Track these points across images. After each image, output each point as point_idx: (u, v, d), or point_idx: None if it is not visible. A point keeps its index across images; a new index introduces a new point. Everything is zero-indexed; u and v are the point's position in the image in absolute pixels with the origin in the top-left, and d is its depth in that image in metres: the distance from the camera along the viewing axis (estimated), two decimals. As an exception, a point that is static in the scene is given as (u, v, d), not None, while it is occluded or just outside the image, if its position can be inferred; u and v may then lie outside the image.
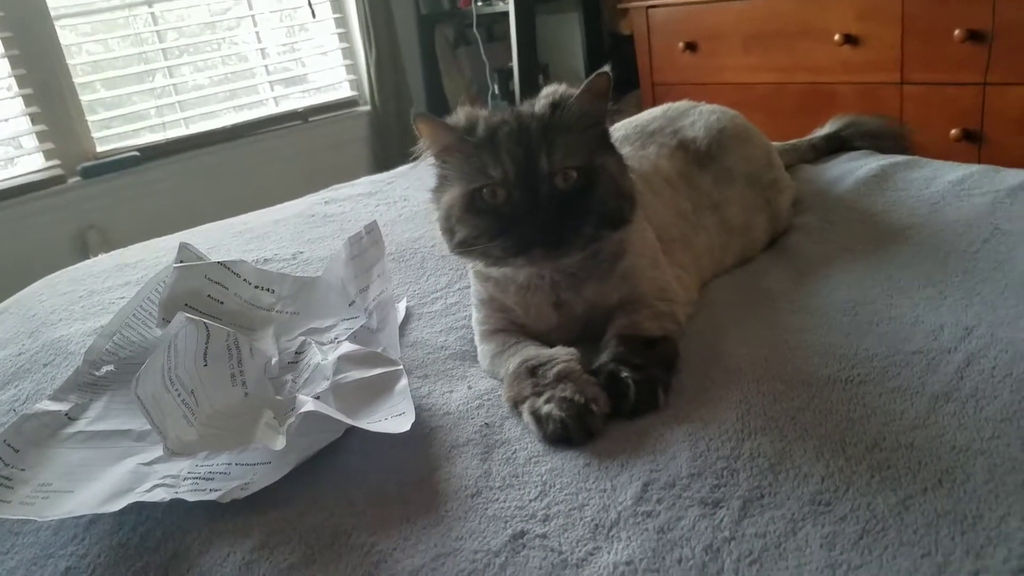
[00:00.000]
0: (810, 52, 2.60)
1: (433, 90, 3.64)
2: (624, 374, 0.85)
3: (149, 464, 0.81)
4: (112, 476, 0.80)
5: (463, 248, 0.93)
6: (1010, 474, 0.68)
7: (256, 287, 1.11)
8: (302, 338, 1.04)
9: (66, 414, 0.92)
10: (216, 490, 0.75)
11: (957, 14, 2.22)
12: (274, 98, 3.38)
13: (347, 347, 0.94)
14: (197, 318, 0.87)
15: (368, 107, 3.49)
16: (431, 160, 0.98)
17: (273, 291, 1.12)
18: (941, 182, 1.31)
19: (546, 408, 0.82)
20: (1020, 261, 1.04)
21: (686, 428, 0.80)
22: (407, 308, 1.17)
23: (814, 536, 0.65)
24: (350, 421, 0.80)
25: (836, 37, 2.50)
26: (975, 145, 2.29)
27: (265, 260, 1.41)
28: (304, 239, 1.53)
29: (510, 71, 3.26)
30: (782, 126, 2.74)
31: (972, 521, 0.64)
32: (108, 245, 1.89)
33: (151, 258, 1.51)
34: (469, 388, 0.95)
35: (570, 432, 0.80)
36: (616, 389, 0.85)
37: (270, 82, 3.39)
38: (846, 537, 0.64)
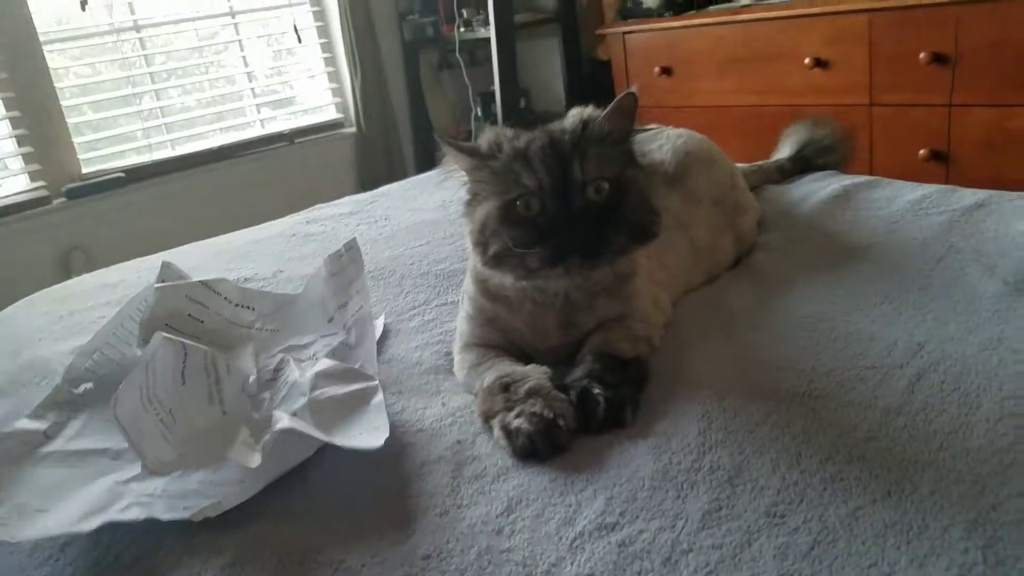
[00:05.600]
0: (782, 75, 2.67)
1: (418, 112, 3.69)
2: (596, 391, 0.88)
3: (125, 483, 0.83)
4: (88, 495, 0.82)
5: (497, 260, 0.94)
6: (955, 485, 0.71)
7: (237, 305, 1.13)
8: (281, 355, 1.06)
9: (44, 432, 0.94)
10: (189, 508, 0.77)
11: (922, 38, 2.29)
12: (260, 120, 3.41)
13: (324, 363, 0.96)
14: (174, 338, 0.89)
15: (353, 129, 3.52)
16: (460, 175, 1.00)
17: (253, 309, 1.14)
18: (901, 201, 1.35)
19: (516, 423, 0.85)
20: (972, 278, 1.08)
21: (650, 442, 0.83)
22: (385, 325, 1.20)
23: (768, 547, 0.67)
24: (325, 438, 0.82)
25: (807, 61, 2.57)
26: (943, 165, 2.36)
27: (246, 279, 1.43)
28: (285, 258, 1.56)
29: (492, 94, 3.31)
30: (756, 147, 2.80)
31: (917, 531, 0.67)
32: (92, 266, 1.91)
33: (133, 278, 1.53)
34: (443, 404, 0.97)
35: (537, 446, 0.83)
36: (586, 405, 0.87)
37: (257, 104, 3.42)
38: (798, 548, 0.67)
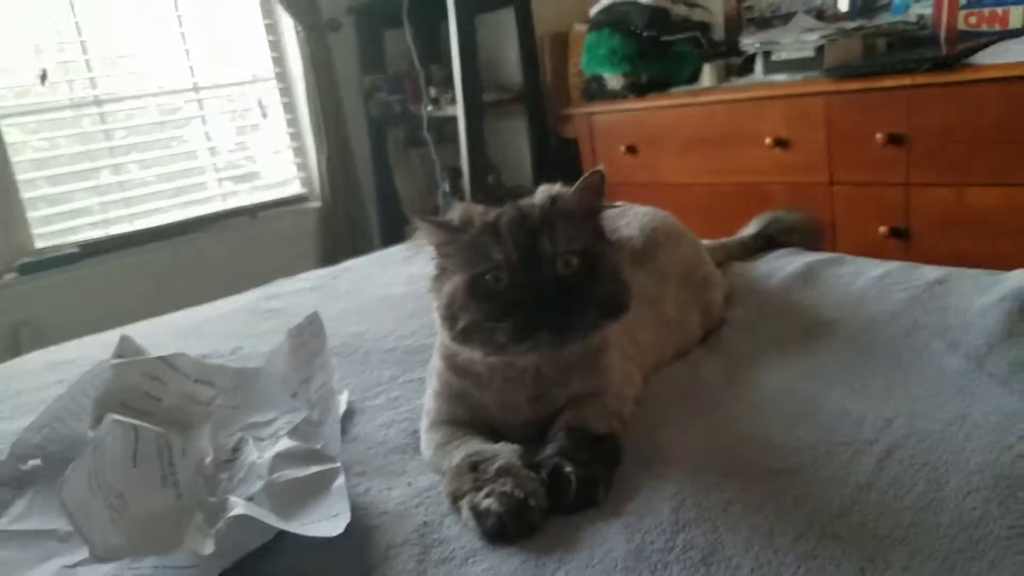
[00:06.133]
0: (744, 154, 2.73)
1: (384, 187, 3.72)
2: (567, 469, 0.86)
3: (72, 567, 0.79)
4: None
5: (465, 335, 0.92)
6: (927, 562, 0.70)
7: (196, 381, 1.10)
8: (240, 434, 1.03)
9: None
10: None
11: (877, 119, 2.35)
12: (222, 195, 3.41)
13: (284, 443, 0.93)
14: (126, 420, 0.86)
15: (318, 203, 3.54)
16: (429, 250, 0.99)
17: (213, 384, 1.11)
18: (865, 278, 1.38)
19: (485, 503, 0.82)
20: (937, 353, 1.09)
21: (622, 521, 0.81)
22: (349, 402, 1.17)
23: (744, 629, 0.65)
24: (281, 525, 0.79)
25: (767, 141, 2.63)
26: (903, 241, 2.41)
27: (204, 356, 1.39)
28: (244, 334, 1.53)
29: (459, 170, 3.36)
30: (720, 224, 2.86)
31: (894, 610, 0.65)
32: (41, 343, 1.87)
33: (85, 355, 1.49)
34: (409, 485, 0.95)
35: (508, 528, 0.81)
36: (558, 484, 0.85)
37: (219, 179, 3.42)
38: (775, 629, 0.65)
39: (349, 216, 3.55)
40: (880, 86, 2.32)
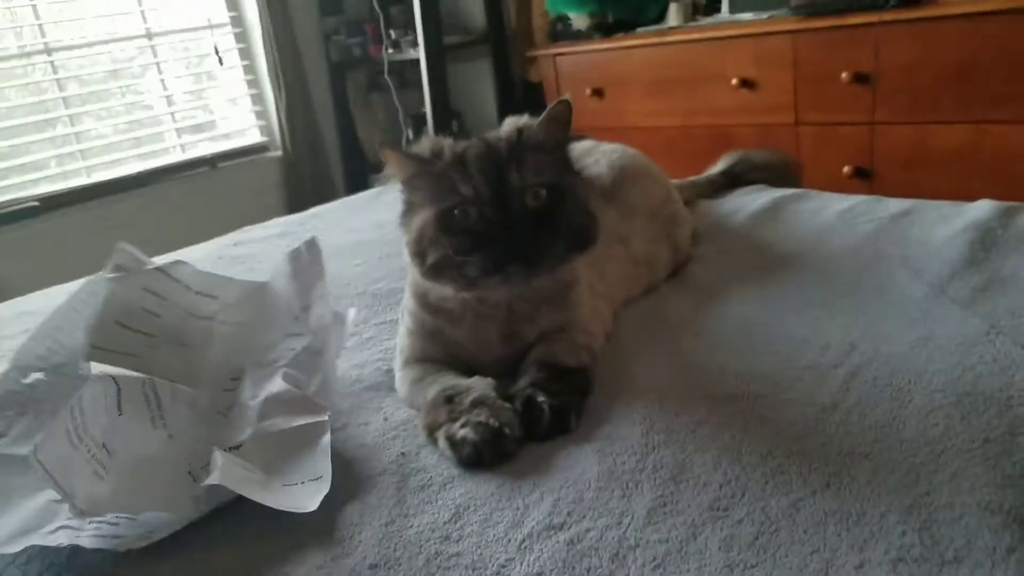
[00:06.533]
0: (710, 96, 2.73)
1: (346, 135, 3.66)
2: (540, 399, 0.88)
3: (60, 501, 0.79)
4: (23, 510, 0.78)
5: (436, 271, 0.92)
6: (891, 474, 0.73)
7: (197, 293, 1.03)
8: (241, 361, 0.99)
9: None
10: (118, 536, 0.73)
11: (844, 58, 2.36)
12: (181, 145, 3.33)
13: (278, 385, 0.92)
14: (105, 373, 0.84)
15: (280, 152, 3.48)
16: (399, 187, 0.98)
17: (217, 297, 1.04)
18: (829, 212, 1.40)
19: (461, 432, 0.84)
20: (900, 282, 1.12)
21: (594, 445, 0.83)
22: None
23: (713, 539, 0.68)
24: (258, 497, 0.77)
25: (733, 81, 2.63)
26: (866, 181, 2.44)
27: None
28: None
29: (424, 117, 3.32)
30: (686, 166, 2.86)
31: (856, 518, 0.68)
32: (4, 298, 1.83)
33: (53, 306, 1.46)
34: (385, 420, 0.96)
35: (483, 455, 0.82)
36: (531, 413, 0.87)
37: (176, 129, 3.34)
38: (742, 539, 0.68)
39: (312, 165, 3.50)
40: (847, 23, 2.32)
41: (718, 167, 1.65)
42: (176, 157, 3.29)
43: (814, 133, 2.54)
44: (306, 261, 1.04)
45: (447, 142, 0.96)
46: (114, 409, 0.83)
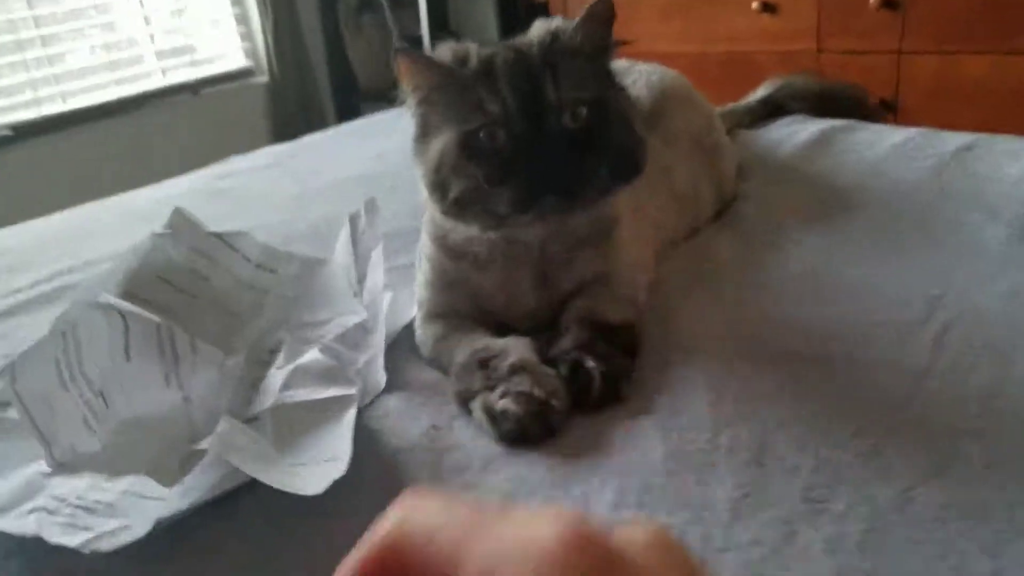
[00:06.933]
0: (729, 20, 2.56)
1: (336, 59, 3.46)
2: (589, 363, 0.76)
3: (47, 476, 0.68)
4: (10, 480, 0.68)
5: (459, 207, 0.80)
6: (1009, 457, 0.63)
7: (258, 266, 0.95)
8: (283, 334, 0.88)
9: None
10: (88, 528, 0.61)
11: (873, -19, 2.22)
12: (161, 70, 3.13)
13: (310, 356, 0.80)
14: (110, 303, 0.72)
15: (266, 78, 3.28)
16: (412, 106, 0.84)
17: (277, 272, 0.96)
18: (883, 145, 1.27)
19: (501, 404, 0.72)
20: (975, 223, 1.01)
21: (654, 420, 0.72)
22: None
23: (815, 540, 0.57)
24: (253, 472, 0.64)
25: (754, 5, 2.47)
26: (891, 114, 2.31)
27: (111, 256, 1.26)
28: (198, 216, 1.38)
29: (419, 40, 3.12)
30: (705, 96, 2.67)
31: (981, 513, 0.58)
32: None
33: (30, 242, 1.34)
34: (407, 383, 0.84)
35: (528, 431, 0.71)
36: (579, 380, 0.76)
37: (156, 53, 3.13)
38: (849, 539, 0.57)
39: (299, 91, 3.31)
40: (880, -58, 2.17)
41: (758, 93, 1.51)
42: (156, 83, 3.08)
43: (837, 61, 2.38)
44: (364, 224, 0.93)
45: (473, 47, 0.81)
46: (120, 352, 0.71)
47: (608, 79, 0.84)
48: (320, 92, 3.40)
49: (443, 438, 0.75)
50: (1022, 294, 0.84)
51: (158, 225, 0.93)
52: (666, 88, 1.15)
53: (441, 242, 0.90)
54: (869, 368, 0.76)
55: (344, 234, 0.96)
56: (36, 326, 0.91)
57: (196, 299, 0.90)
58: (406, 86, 0.83)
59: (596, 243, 0.88)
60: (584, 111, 0.78)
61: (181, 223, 0.94)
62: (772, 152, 1.32)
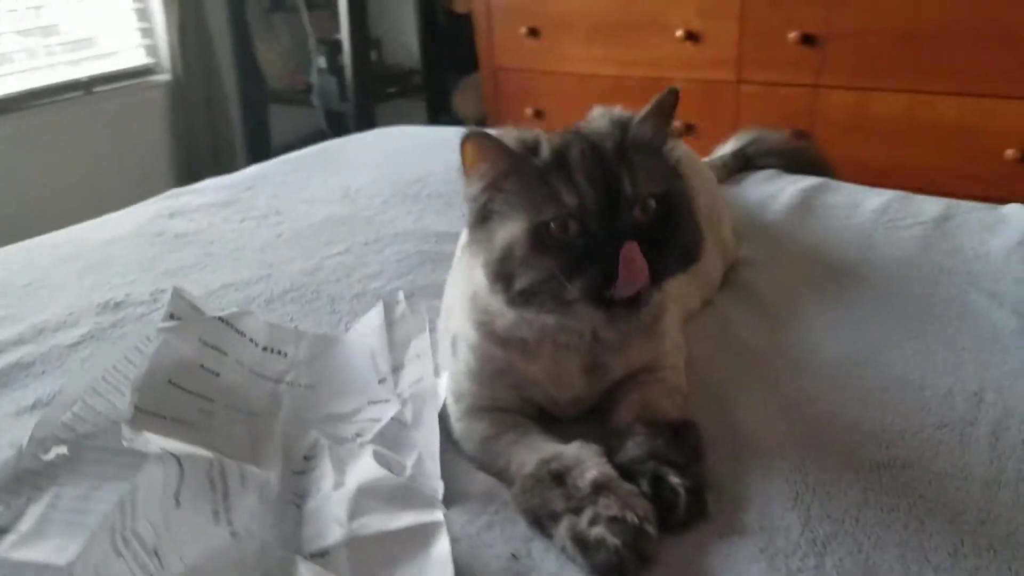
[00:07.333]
0: (652, 46, 2.61)
1: (244, 59, 3.26)
2: (673, 480, 0.73)
3: None
4: None
5: (526, 297, 0.76)
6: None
7: (265, 349, 0.88)
8: (316, 434, 0.81)
9: None
10: None
11: (793, 17, 2.31)
12: (50, 65, 2.84)
13: (370, 469, 0.73)
14: (168, 451, 0.64)
15: (168, 76, 3.05)
16: (475, 191, 0.79)
17: (286, 355, 0.89)
18: (864, 211, 1.31)
19: (595, 532, 0.68)
20: (981, 307, 1.05)
21: (749, 542, 0.70)
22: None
23: None
24: None
25: (678, 33, 2.52)
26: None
27: (116, 304, 1.12)
28: (159, 269, 1.25)
29: (337, 43, 2.99)
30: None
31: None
32: None
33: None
34: (463, 495, 0.78)
35: (626, 563, 0.67)
36: (662, 497, 0.73)
37: (45, 47, 2.84)
38: None
39: (204, 92, 3.09)
40: (800, -20, 2.25)
41: (728, 147, 1.52)
42: (45, 79, 2.79)
43: (756, 92, 2.48)
44: (403, 311, 0.89)
45: (540, 135, 0.78)
46: (171, 499, 0.64)
47: (673, 170, 0.82)
48: (226, 93, 3.19)
49: (526, 570, 0.70)
50: (1054, 393, 0.87)
51: (157, 312, 0.85)
52: (681, 157, 1.14)
53: (487, 329, 0.85)
54: (940, 477, 0.77)
55: (375, 318, 0.90)
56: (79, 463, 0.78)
57: (211, 402, 0.82)
58: (471, 171, 0.78)
59: (648, 330, 0.87)
60: (653, 204, 0.77)
61: (184, 309, 0.86)
62: (758, 214, 1.34)
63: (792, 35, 2.31)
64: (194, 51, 3.02)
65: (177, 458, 0.64)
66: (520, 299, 0.76)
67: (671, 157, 0.83)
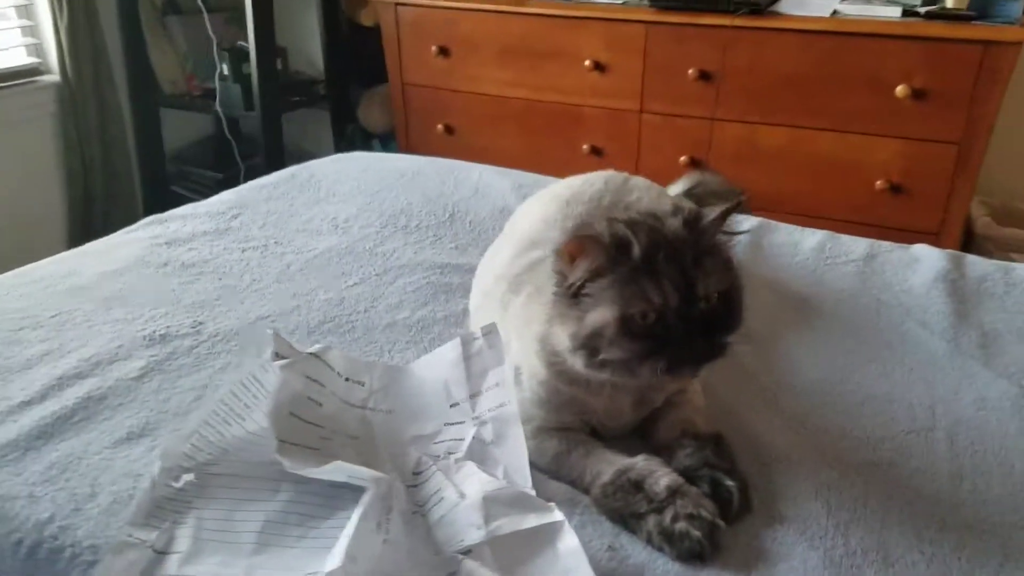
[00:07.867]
0: (561, 74, 2.76)
1: (136, 62, 3.14)
2: (728, 483, 0.92)
3: None
4: None
5: (603, 367, 0.92)
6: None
7: (348, 380, 0.97)
8: (415, 452, 0.92)
9: (151, 547, 0.77)
10: None
11: (692, 55, 2.52)
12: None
13: (489, 481, 0.86)
14: (375, 475, 0.74)
15: (55, 78, 2.90)
16: (574, 279, 0.92)
17: (364, 384, 0.98)
18: (804, 249, 1.55)
19: (678, 527, 0.86)
20: (917, 335, 1.28)
21: (789, 528, 0.90)
22: None
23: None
24: None
25: (586, 63, 2.69)
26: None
27: (161, 336, 1.16)
28: (187, 301, 1.29)
29: (242, 51, 2.96)
30: (534, 142, 2.87)
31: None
32: None
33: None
34: (550, 500, 0.92)
35: (705, 550, 0.86)
36: (720, 496, 0.91)
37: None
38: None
39: (95, 95, 2.96)
40: (699, 22, 2.48)
41: (678, 187, 1.72)
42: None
43: (657, 122, 2.69)
44: (482, 346, 0.99)
45: (628, 232, 0.92)
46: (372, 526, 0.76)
47: (732, 265, 0.98)
48: (117, 96, 3.07)
49: (626, 559, 0.85)
50: (986, 403, 1.12)
51: (264, 353, 0.93)
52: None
53: (557, 368, 1.00)
54: (918, 472, 0.99)
55: (451, 351, 1.01)
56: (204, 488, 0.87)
57: (322, 428, 0.92)
58: (576, 261, 0.92)
59: None
60: (716, 297, 0.94)
61: (285, 348, 0.96)
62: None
63: (691, 71, 2.52)
64: (86, 51, 2.89)
65: (370, 479, 0.75)
66: (599, 366, 0.92)
67: (730, 253, 0.99)
